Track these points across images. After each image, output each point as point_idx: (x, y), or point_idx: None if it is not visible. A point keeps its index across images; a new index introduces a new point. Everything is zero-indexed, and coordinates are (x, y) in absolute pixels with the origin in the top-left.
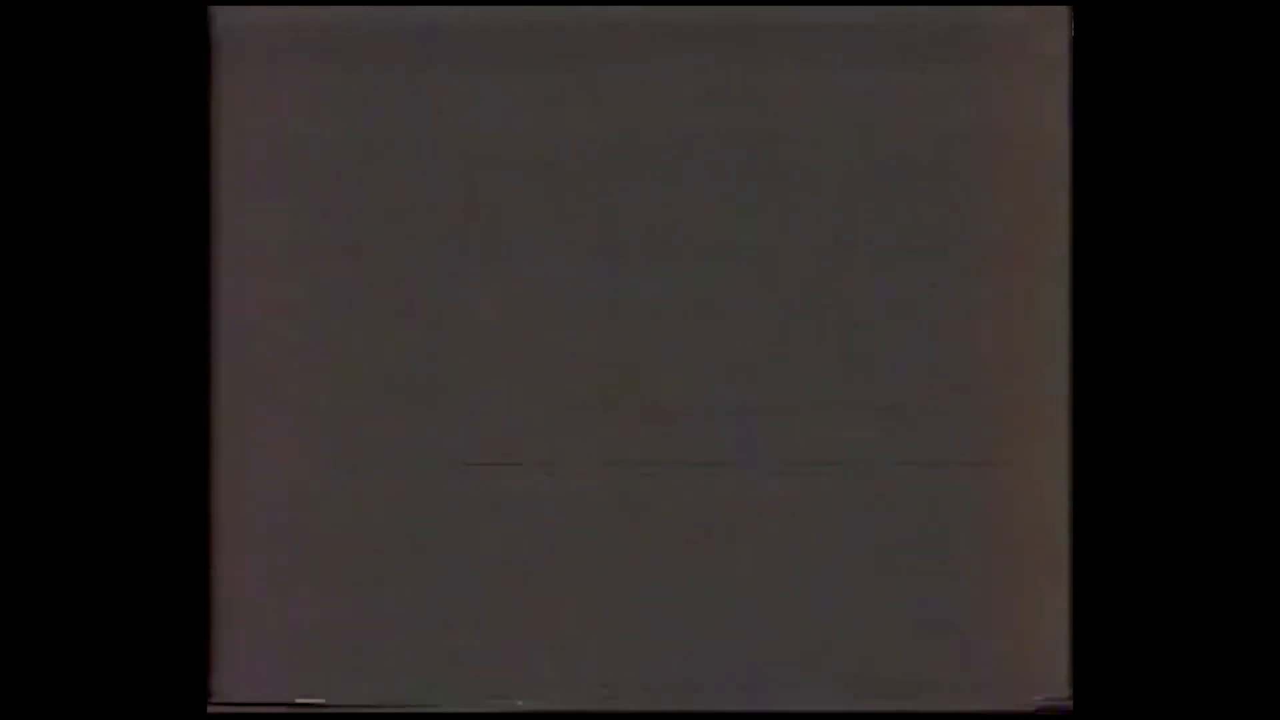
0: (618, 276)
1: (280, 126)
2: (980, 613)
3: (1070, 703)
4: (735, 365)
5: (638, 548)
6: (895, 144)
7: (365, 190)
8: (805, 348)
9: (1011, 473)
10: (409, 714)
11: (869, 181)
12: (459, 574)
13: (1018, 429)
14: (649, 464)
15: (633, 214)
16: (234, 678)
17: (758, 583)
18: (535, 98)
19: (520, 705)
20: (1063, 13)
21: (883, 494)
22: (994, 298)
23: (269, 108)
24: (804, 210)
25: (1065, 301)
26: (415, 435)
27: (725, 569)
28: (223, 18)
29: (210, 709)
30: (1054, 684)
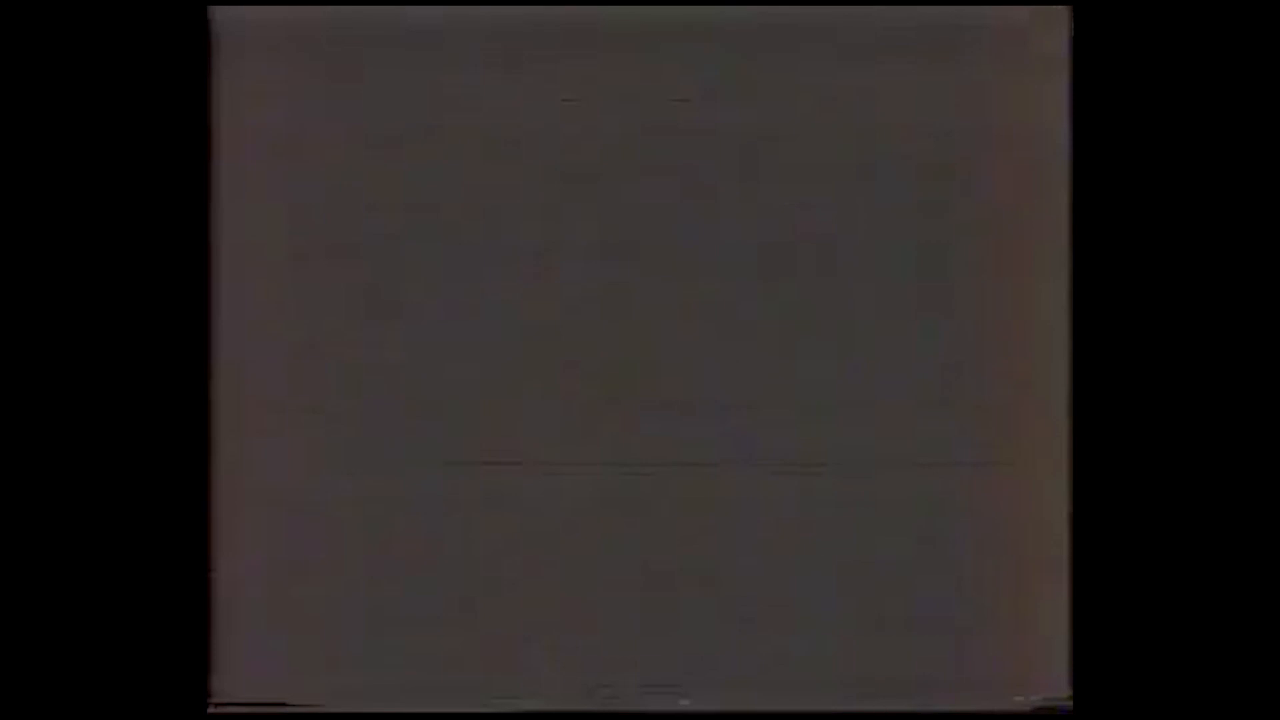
0: (617, 276)
1: (279, 125)
2: (979, 613)
3: (1070, 703)
4: (735, 365)
5: (638, 548)
6: (896, 143)
7: (364, 189)
8: (805, 348)
9: (1011, 473)
10: (409, 714)
11: (869, 181)
12: (459, 574)
13: (1018, 429)
14: (649, 464)
15: (632, 212)
16: (234, 678)
17: (758, 583)
18: (534, 97)
19: (520, 705)
20: (1063, 13)
21: (882, 494)
22: (994, 297)
23: (268, 106)
24: (804, 210)
25: (1065, 301)
26: (415, 435)
27: (724, 570)
28: (222, 17)
29: (210, 709)
30: (1054, 684)
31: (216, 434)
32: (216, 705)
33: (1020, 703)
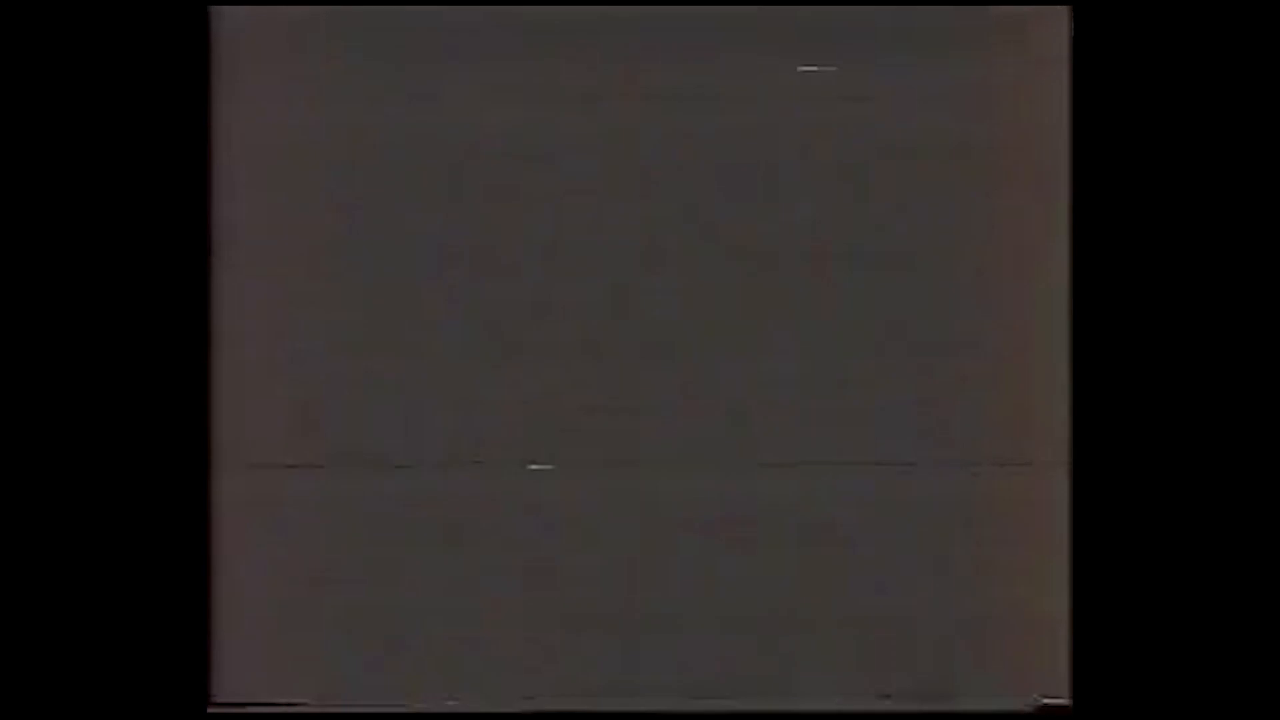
0: (617, 275)
1: (279, 124)
2: (979, 613)
3: (1070, 702)
4: (735, 365)
5: (637, 548)
6: (896, 143)
7: (364, 187)
8: (805, 347)
9: (1010, 472)
10: (409, 714)
11: (869, 180)
12: (459, 574)
13: (1017, 428)
14: (649, 464)
15: (630, 211)
16: (234, 678)
17: (761, 583)
18: (534, 96)
19: (519, 705)
20: (1063, 12)
21: (880, 493)
22: (995, 297)
23: (268, 105)
24: (803, 209)
25: (1065, 300)
26: (414, 434)
27: (725, 568)
28: (223, 17)
29: (210, 709)
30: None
31: (216, 433)
32: (216, 705)
33: (1019, 703)
